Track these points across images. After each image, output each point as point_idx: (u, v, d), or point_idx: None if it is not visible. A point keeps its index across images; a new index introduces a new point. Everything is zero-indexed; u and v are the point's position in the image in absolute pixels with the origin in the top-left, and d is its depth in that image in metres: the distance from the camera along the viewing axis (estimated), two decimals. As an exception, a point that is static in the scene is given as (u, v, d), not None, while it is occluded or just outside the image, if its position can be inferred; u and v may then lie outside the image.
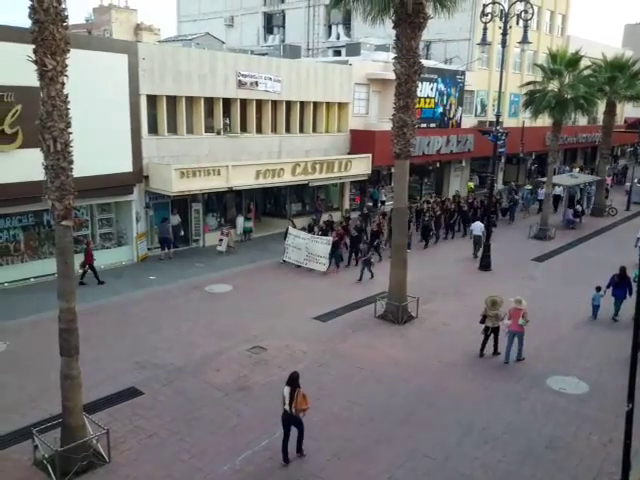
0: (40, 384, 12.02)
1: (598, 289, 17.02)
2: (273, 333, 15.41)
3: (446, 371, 13.66)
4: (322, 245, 20.79)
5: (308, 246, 21.02)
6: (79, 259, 17.46)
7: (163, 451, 10.20)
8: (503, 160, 38.20)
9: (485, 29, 21.45)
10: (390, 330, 16.01)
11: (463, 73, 34.76)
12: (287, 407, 9.86)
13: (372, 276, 19.95)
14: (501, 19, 21.41)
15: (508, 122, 38.72)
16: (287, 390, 9.89)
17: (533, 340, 14.88)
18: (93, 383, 11.67)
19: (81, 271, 18.67)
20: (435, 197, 31.78)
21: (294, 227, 22.14)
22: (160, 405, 11.71)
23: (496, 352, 14.50)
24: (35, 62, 9.00)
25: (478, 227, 23.81)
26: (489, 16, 21.12)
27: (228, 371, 13.26)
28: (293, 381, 9.91)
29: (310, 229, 22.50)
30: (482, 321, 14.34)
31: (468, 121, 36.76)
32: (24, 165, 16.02)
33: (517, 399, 12.43)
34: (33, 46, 8.97)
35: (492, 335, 14.35)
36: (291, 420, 9.92)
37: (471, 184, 37.55)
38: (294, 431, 10.04)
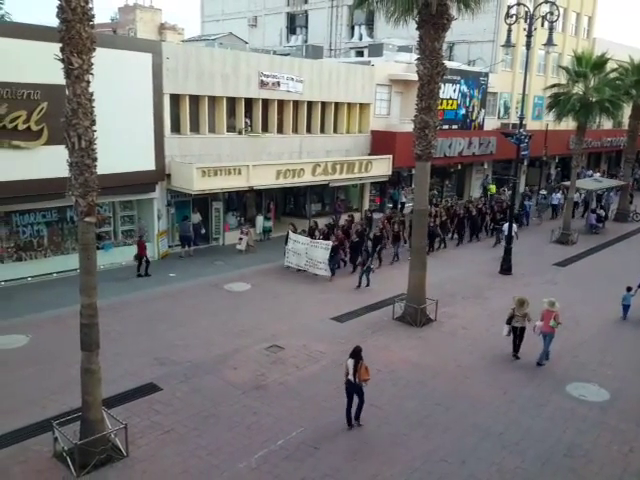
0: (60, 378, 12.19)
1: (629, 289, 17.17)
2: (290, 332, 15.44)
3: (464, 375, 13.56)
4: (321, 250, 19.94)
5: (308, 251, 20.27)
6: (101, 255, 17.66)
7: (180, 447, 10.28)
8: (526, 163, 37.76)
9: (509, 31, 21.25)
10: (408, 332, 15.94)
11: (486, 75, 34.48)
12: (351, 377, 10.90)
13: (368, 284, 19.23)
14: (526, 21, 21.18)
15: (531, 125, 38.29)
16: (351, 362, 10.90)
17: (554, 345, 14.69)
18: (113, 378, 11.81)
19: (136, 263, 19.75)
20: (445, 201, 31.27)
21: (294, 231, 21.31)
22: (178, 401, 11.80)
23: (517, 355, 14.51)
24: (62, 60, 9.11)
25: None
26: (514, 18, 20.93)
27: (245, 369, 13.32)
28: (356, 354, 10.94)
29: (311, 233, 21.58)
30: (509, 321, 14.31)
31: (491, 123, 36.45)
32: (49, 162, 16.29)
33: (536, 405, 12.29)
34: (60, 45, 9.10)
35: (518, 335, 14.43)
36: (354, 389, 10.94)
37: (493, 187, 37.19)
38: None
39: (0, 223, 18.51)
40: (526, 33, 20.89)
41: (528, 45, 20.94)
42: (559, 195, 33.65)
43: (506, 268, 21.85)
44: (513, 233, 22.98)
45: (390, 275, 20.63)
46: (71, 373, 11.01)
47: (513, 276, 21.46)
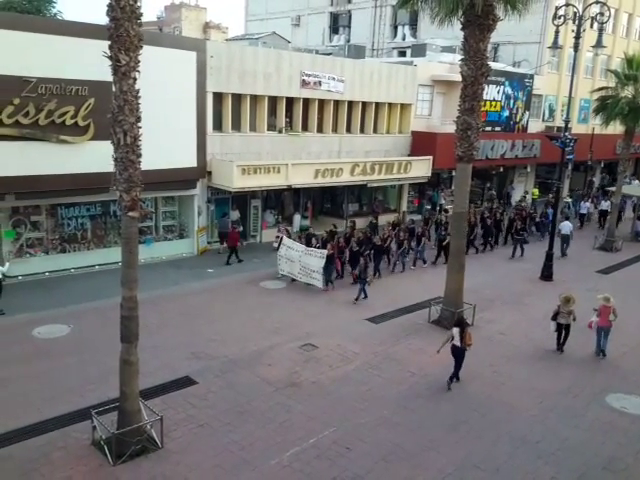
0: (100, 368, 12.48)
1: None
2: (325, 331, 15.45)
3: (500, 381, 13.32)
4: (316, 258, 18.58)
5: (302, 259, 18.91)
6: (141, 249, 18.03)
7: (213, 441, 10.40)
8: (570, 167, 36.91)
9: (557, 32, 20.75)
10: (444, 336, 15.70)
11: (532, 77, 33.81)
12: (457, 343, 12.58)
13: (365, 296, 18.04)
14: (574, 22, 20.67)
15: (577, 128, 37.35)
16: (456, 330, 12.62)
17: (594, 355, 14.31)
18: (150, 370, 12.03)
19: (227, 252, 21.00)
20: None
21: (289, 237, 20.26)
22: (212, 396, 11.95)
23: (561, 349, 14.91)
24: (110, 58, 9.31)
25: (567, 227, 24.70)
26: (562, 19, 20.43)
27: (279, 366, 13.40)
28: (461, 323, 12.68)
29: (308, 240, 20.34)
30: (554, 318, 14.65)
31: (535, 126, 35.73)
32: (94, 157, 16.70)
33: (574, 415, 11.97)
34: (108, 42, 9.32)
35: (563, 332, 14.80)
36: (459, 352, 12.62)
37: (536, 190, 36.48)
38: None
39: (46, 216, 19.09)
40: (574, 34, 20.37)
41: (576, 47, 20.41)
42: (588, 204, 31.73)
43: (547, 274, 21.37)
44: (569, 232, 22.65)
45: (392, 286, 19.80)
46: (110, 364, 11.25)
47: (554, 282, 20.98)
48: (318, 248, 19.11)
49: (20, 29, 16.15)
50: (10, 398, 11.37)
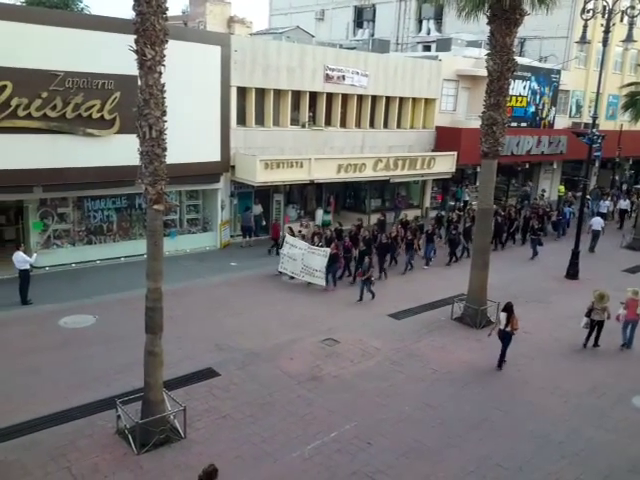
0: (124, 358, 12.66)
1: None
2: (347, 326, 15.45)
3: (524, 380, 13.19)
4: (319, 257, 18.20)
5: (304, 257, 18.52)
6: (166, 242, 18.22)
7: (235, 433, 10.48)
8: (597, 164, 36.27)
9: (585, 26, 20.38)
10: (467, 334, 15.65)
11: (558, 72, 33.26)
12: (502, 327, 13.36)
13: (373, 296, 17.56)
14: (603, 16, 20.28)
15: (605, 125, 36.70)
16: (504, 315, 13.33)
17: (620, 355, 14.10)
18: (173, 361, 12.16)
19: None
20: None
21: (292, 235, 19.79)
22: (235, 387, 12.04)
23: (597, 344, 14.96)
24: (136, 52, 9.41)
25: (598, 222, 24.81)
26: (591, 13, 20.04)
27: (301, 360, 13.44)
28: (509, 309, 13.29)
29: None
30: (587, 314, 14.77)
31: (562, 122, 35.18)
32: (120, 150, 16.89)
33: (599, 415, 11.81)
34: (134, 36, 9.40)
35: (596, 328, 14.86)
36: (505, 336, 13.38)
37: (562, 187, 35.93)
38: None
39: (73, 208, 19.39)
40: (603, 29, 20.00)
41: (605, 41, 20.05)
42: (607, 203, 30.29)
43: (572, 273, 21.05)
44: (600, 227, 22.27)
45: (399, 286, 19.29)
46: (135, 354, 11.40)
47: (580, 281, 20.67)
48: (321, 247, 18.75)
49: (48, 24, 16.38)
50: (39, 385, 11.62)
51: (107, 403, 10.91)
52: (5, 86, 15.83)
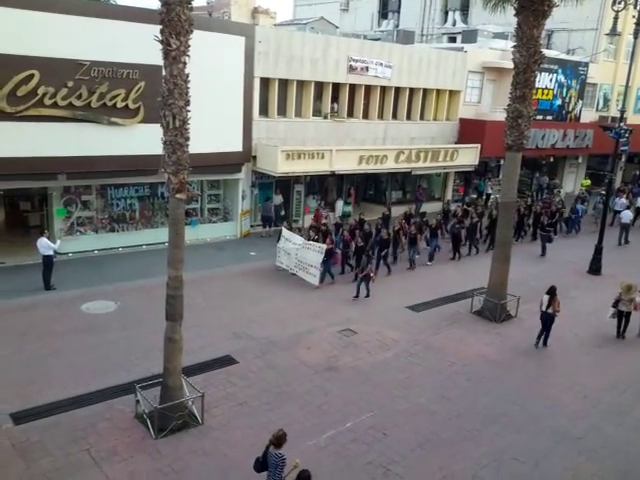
0: (145, 344, 12.85)
1: None
2: (364, 318, 15.47)
3: (543, 375, 13.10)
4: (314, 253, 17.56)
5: (299, 252, 18.00)
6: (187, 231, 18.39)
7: (252, 420, 10.60)
8: (624, 159, 35.60)
9: (616, 18, 20.00)
10: (486, 327, 15.56)
11: (586, 65, 32.65)
12: (544, 309, 14.06)
13: (368, 294, 16.93)
14: (635, 7, 19.84)
15: (633, 119, 35.88)
16: (546, 298, 14.09)
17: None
18: (193, 348, 12.28)
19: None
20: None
21: (289, 229, 19.29)
22: (252, 375, 12.16)
23: (623, 336, 15.24)
24: (161, 42, 9.48)
25: (627, 216, 25.02)
26: (622, 4, 19.63)
27: (318, 350, 13.51)
28: (552, 292, 14.09)
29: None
30: (615, 305, 15.08)
31: (588, 115, 34.56)
32: (143, 139, 17.06)
33: (619, 412, 11.68)
34: (159, 26, 9.47)
35: (624, 319, 15.17)
36: (548, 317, 14.10)
37: (586, 182, 35.36)
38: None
39: (96, 196, 19.66)
40: (635, 20, 19.57)
41: (636, 33, 19.60)
42: (623, 200, 28.10)
43: (595, 268, 20.77)
44: (628, 220, 22.12)
45: (417, 279, 19.19)
46: (154, 340, 11.57)
47: (602, 277, 20.38)
48: (316, 241, 18.19)
49: (74, 13, 16.54)
50: (61, 369, 11.86)
51: (126, 388, 11.09)
52: (32, 75, 16.05)
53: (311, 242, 18.10)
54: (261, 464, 7.84)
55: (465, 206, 24.76)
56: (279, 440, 7.74)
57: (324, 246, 17.65)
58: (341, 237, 19.51)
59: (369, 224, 19.79)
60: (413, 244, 19.96)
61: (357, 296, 16.90)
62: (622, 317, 15.14)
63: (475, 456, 10.01)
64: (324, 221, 21.54)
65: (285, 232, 19.00)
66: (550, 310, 14.05)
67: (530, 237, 24.90)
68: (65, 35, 16.41)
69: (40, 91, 16.28)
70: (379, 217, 21.37)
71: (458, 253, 21.58)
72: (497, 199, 25.55)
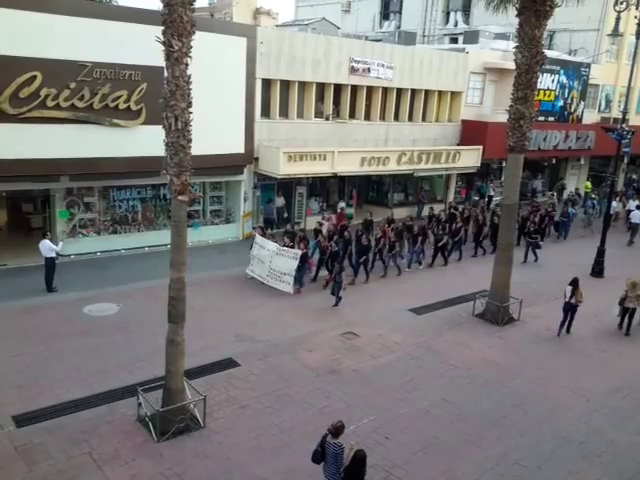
0: (147, 346, 12.83)
1: None
2: (366, 321, 15.44)
3: (546, 379, 13.04)
4: (289, 259, 16.89)
5: (272, 260, 17.22)
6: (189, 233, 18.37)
7: (254, 423, 10.57)
8: (626, 160, 35.54)
9: (618, 18, 19.97)
10: (488, 330, 15.52)
11: (588, 65, 32.62)
12: (568, 299, 14.97)
13: (337, 302, 16.24)
14: (637, 8, 19.78)
15: (635, 120, 35.84)
16: (569, 288, 14.97)
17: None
18: (194, 350, 12.24)
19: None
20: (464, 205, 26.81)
21: (263, 235, 18.41)
22: (254, 378, 12.13)
23: (628, 333, 15.67)
24: (163, 43, 9.47)
25: (637, 215, 25.69)
26: (624, 4, 19.59)
27: (320, 353, 13.48)
28: (575, 283, 14.95)
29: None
30: (621, 302, 15.57)
31: (590, 117, 34.52)
32: (146, 141, 17.08)
33: (623, 417, 11.63)
34: (161, 28, 9.45)
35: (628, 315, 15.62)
36: (570, 308, 15.06)
37: (588, 184, 35.31)
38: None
39: (99, 197, 19.65)
40: (637, 21, 19.51)
41: (638, 34, 19.55)
42: (615, 203, 26.76)
43: (597, 271, 20.71)
44: (638, 220, 22.41)
45: (419, 282, 18.99)
46: (157, 342, 11.55)
47: (605, 279, 20.33)
48: (291, 247, 17.49)
49: (77, 15, 16.55)
50: (63, 371, 11.85)
51: (129, 390, 11.07)
52: (35, 77, 16.05)
53: (285, 248, 17.42)
54: (321, 454, 8.09)
55: (452, 210, 23.74)
56: (338, 430, 8.00)
57: (299, 252, 17.01)
58: (317, 243, 18.96)
59: (349, 231, 19.04)
60: (391, 251, 19.18)
61: (337, 304, 16.25)
62: (626, 314, 15.60)
63: (478, 460, 9.97)
64: (321, 221, 21.29)
65: (258, 239, 18.21)
66: (573, 300, 14.93)
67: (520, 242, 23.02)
68: (67, 36, 16.42)
69: (42, 93, 16.28)
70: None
71: (441, 258, 20.73)
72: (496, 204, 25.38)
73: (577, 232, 26.08)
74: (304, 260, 17.40)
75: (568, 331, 15.38)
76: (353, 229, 20.24)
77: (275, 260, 17.23)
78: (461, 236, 21.57)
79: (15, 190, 18.18)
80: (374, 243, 19.26)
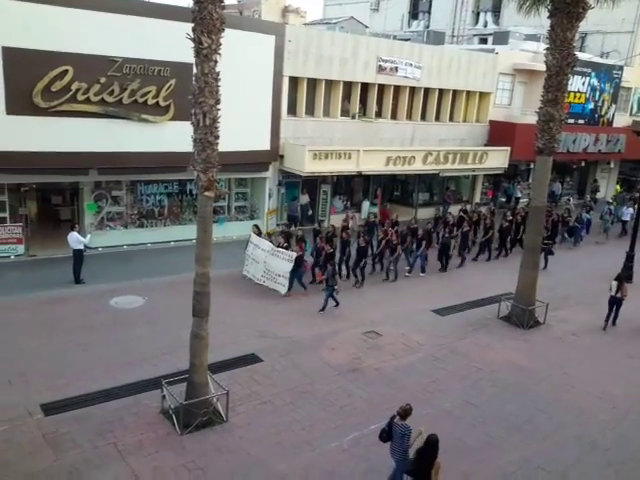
0: (171, 339, 12.95)
1: None
2: (389, 320, 15.37)
3: (570, 384, 12.84)
4: (283, 261, 16.60)
5: (267, 260, 16.98)
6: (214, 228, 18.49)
7: (276, 419, 10.61)
8: (657, 165, 34.87)
9: (654, 20, 19.53)
10: (513, 333, 15.34)
11: (621, 68, 31.99)
12: (614, 294, 15.54)
13: (324, 306, 15.67)
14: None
15: (668, 123, 35.12)
16: (615, 283, 15.60)
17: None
18: (218, 345, 12.29)
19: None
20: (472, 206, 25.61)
21: (258, 234, 18.09)
22: (277, 374, 12.18)
23: None
24: (192, 40, 9.55)
25: None
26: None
27: (342, 351, 13.47)
28: (620, 278, 15.63)
29: (287, 238, 17.99)
30: None
31: (621, 120, 33.81)
32: (173, 136, 17.23)
33: (649, 425, 11.42)
34: (191, 25, 9.53)
35: None
36: (615, 301, 15.62)
37: (618, 187, 34.67)
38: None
39: (126, 191, 19.91)
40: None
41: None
42: (631, 210, 26.19)
43: (626, 276, 20.29)
44: None
45: (443, 282, 18.76)
46: (181, 336, 11.64)
47: (634, 284, 19.91)
48: (286, 248, 17.11)
49: (108, 11, 16.75)
50: (90, 362, 12.04)
51: (153, 383, 11.20)
52: (67, 71, 16.33)
53: (280, 249, 17.03)
54: (387, 434, 8.55)
55: (461, 212, 23.16)
56: (406, 412, 8.49)
57: (293, 254, 16.59)
58: (314, 245, 18.62)
59: (347, 233, 18.41)
60: (393, 253, 18.59)
61: (324, 308, 15.70)
62: None
63: (500, 463, 9.87)
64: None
65: (253, 238, 17.90)
66: (618, 295, 15.54)
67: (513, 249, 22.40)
68: (98, 32, 16.63)
69: (74, 87, 16.56)
70: (360, 225, 20.91)
71: (445, 264, 20.00)
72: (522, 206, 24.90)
73: (593, 238, 25.54)
74: (299, 263, 16.80)
75: (614, 323, 15.83)
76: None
77: (269, 260, 16.98)
78: (489, 236, 21.59)
79: (45, 182, 18.52)
80: (376, 244, 19.18)
